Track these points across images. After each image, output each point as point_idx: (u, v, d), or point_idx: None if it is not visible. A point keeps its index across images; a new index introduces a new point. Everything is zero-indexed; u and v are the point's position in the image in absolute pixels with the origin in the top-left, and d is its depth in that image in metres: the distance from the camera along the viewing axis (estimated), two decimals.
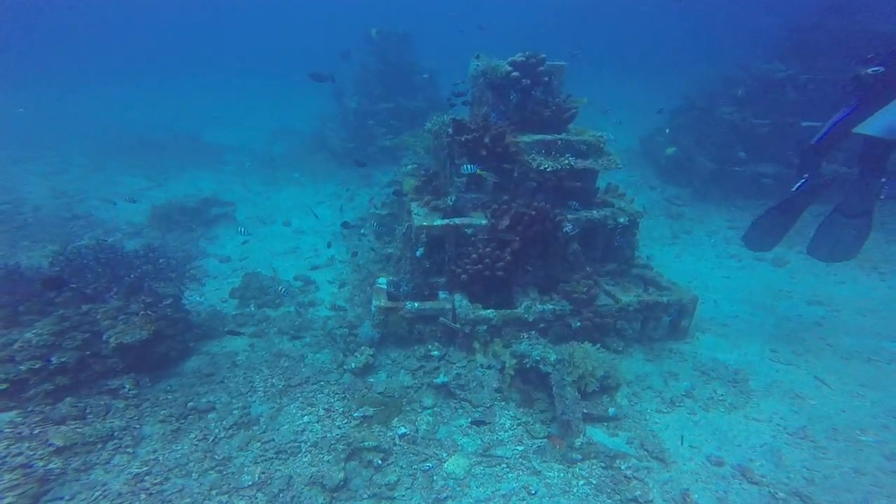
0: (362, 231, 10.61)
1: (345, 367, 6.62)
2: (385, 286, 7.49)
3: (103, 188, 13.30)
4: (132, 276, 5.83)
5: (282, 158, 18.81)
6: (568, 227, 6.78)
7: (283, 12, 59.24)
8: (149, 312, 5.69)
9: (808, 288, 9.54)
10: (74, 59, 41.46)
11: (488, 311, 6.78)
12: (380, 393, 6.23)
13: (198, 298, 8.34)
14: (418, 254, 7.08)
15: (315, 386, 6.33)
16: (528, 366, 6.20)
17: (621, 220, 7.09)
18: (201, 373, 6.43)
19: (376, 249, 9.07)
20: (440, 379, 6.29)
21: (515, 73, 6.99)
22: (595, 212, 7.17)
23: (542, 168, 6.69)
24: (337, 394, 6.19)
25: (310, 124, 21.33)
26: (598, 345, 7.05)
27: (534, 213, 6.67)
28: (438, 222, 7.00)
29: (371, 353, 6.72)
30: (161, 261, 6.38)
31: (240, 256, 10.11)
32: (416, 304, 6.94)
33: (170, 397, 5.94)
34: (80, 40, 49.33)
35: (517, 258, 6.96)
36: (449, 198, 7.28)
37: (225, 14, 58.50)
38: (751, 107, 14.27)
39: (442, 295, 7.27)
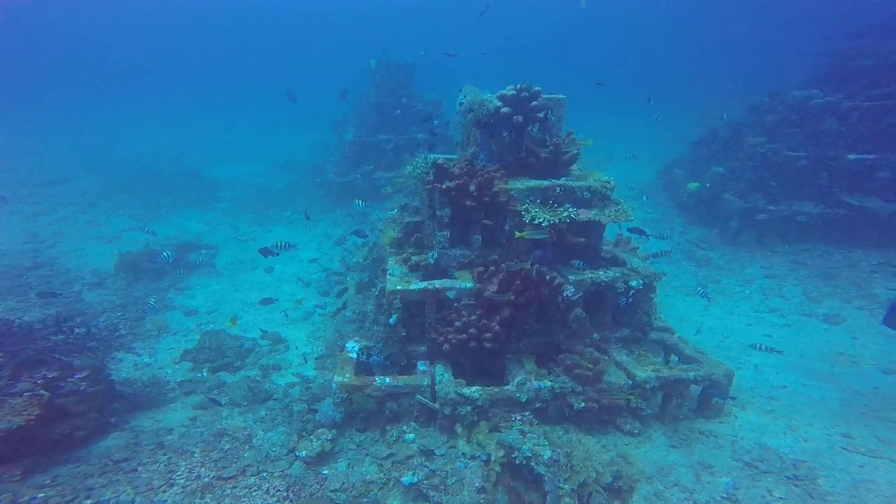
0: (347, 278, 9.59)
1: (296, 453, 5.47)
2: (355, 354, 6.38)
3: (84, 231, 12.70)
4: (29, 350, 4.88)
5: (278, 195, 18.19)
6: (569, 292, 5.59)
7: (299, 43, 60.91)
8: (40, 392, 4.69)
9: (879, 352, 7.83)
10: (97, 92, 42.84)
11: (473, 388, 5.65)
12: (333, 491, 5.11)
13: (146, 360, 7.36)
14: (391, 321, 5.99)
15: (253, 479, 5.16)
16: (517, 461, 5.05)
17: (634, 283, 5.83)
18: (111, 458, 5.27)
19: (355, 306, 7.99)
20: (408, 479, 5.11)
21: (506, 109, 5.98)
22: (602, 273, 5.95)
23: (537, 222, 5.57)
24: (278, 491, 5.01)
25: (317, 157, 20.86)
26: (609, 427, 5.84)
27: (527, 275, 5.51)
28: (415, 286, 5.91)
29: (330, 437, 5.64)
30: (78, 330, 5.46)
31: (208, 309, 9.16)
32: (386, 381, 5.83)
33: (40, 496, 4.65)
34: (107, 72, 51.24)
35: (509, 327, 5.80)
36: (430, 254, 6.21)
37: (245, 47, 60.53)
38: (783, 138, 12.94)
39: (421, 367, 6.16)
